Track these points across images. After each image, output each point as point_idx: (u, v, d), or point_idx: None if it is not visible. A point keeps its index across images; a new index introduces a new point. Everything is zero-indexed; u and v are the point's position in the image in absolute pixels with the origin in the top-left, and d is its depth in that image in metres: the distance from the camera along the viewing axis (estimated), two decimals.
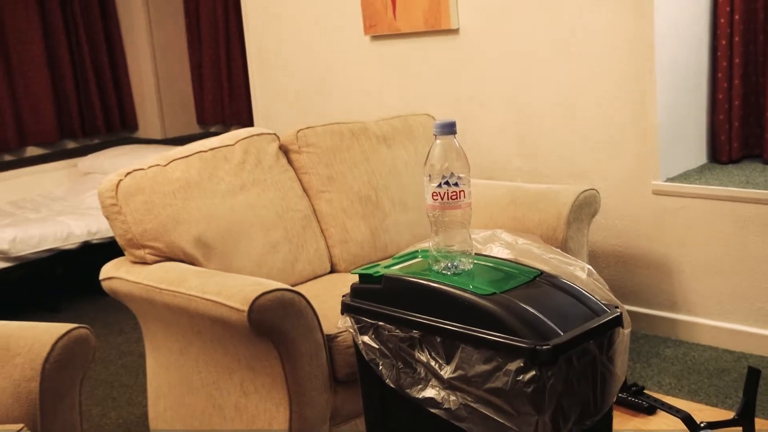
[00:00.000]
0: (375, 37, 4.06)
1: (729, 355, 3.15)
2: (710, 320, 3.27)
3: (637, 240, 3.39)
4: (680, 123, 3.37)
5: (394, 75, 4.04)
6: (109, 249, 3.81)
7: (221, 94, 5.82)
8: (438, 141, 1.54)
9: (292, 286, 2.55)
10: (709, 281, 3.25)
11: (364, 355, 1.58)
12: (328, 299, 2.41)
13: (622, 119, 3.32)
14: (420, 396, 1.48)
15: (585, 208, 2.96)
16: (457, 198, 1.54)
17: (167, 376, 2.57)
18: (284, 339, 2.17)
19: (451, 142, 1.54)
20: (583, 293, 1.53)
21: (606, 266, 3.48)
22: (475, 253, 1.65)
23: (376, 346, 1.56)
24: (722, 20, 3.36)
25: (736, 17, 3.33)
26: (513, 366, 1.35)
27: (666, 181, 3.29)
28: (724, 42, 3.37)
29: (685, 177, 3.32)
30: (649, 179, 3.30)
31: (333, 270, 2.94)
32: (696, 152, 3.51)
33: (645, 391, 1.87)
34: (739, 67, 3.37)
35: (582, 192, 2.96)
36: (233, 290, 2.18)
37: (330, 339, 2.29)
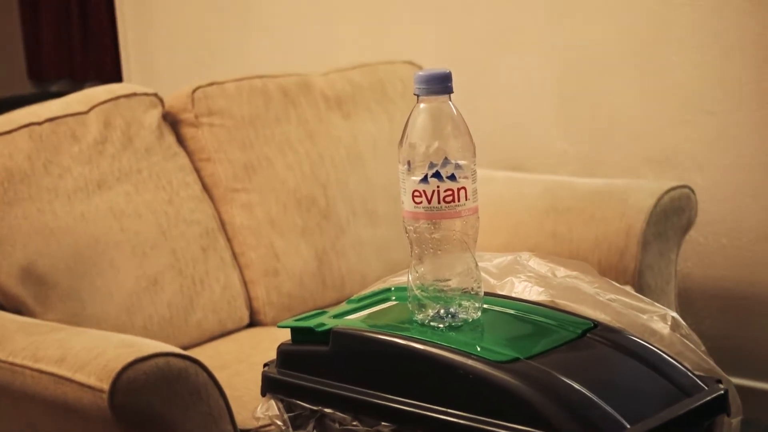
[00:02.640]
0: None
1: None
2: None
3: (758, 271, 3.41)
4: None
5: None
6: None
7: (69, 33, 5.81)
8: (422, 105, 1.54)
9: (185, 348, 2.55)
10: None
11: None
12: (243, 370, 2.41)
13: (735, 72, 3.34)
14: None
15: (672, 217, 2.97)
16: (454, 200, 1.54)
17: None
18: None
19: (445, 107, 1.54)
20: (665, 359, 1.54)
21: (707, 315, 3.49)
22: (486, 294, 1.65)
23: None
24: None
25: None
26: None
27: None
28: None
29: None
30: None
31: (253, 321, 2.95)
32: None
33: None
34: None
35: (667, 191, 2.99)
36: (86, 356, 2.17)
37: None
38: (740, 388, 1.68)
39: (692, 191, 3.06)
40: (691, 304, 3.50)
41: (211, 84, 3.00)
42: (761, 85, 3.29)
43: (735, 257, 3.43)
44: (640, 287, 2.86)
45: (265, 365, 1.70)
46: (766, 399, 3.41)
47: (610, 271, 2.84)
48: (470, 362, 1.46)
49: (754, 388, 3.42)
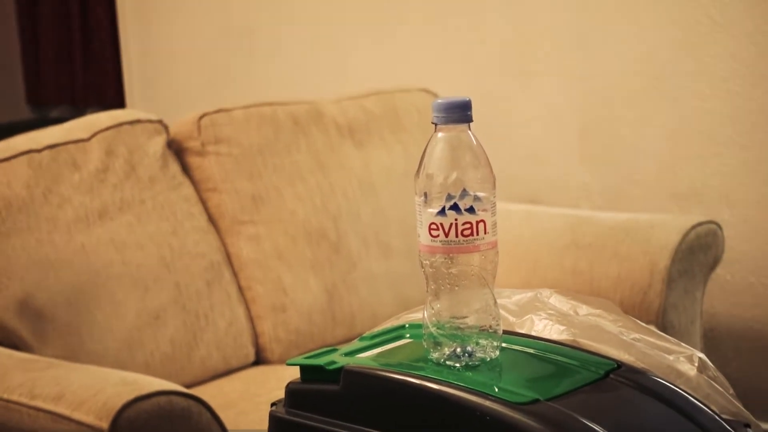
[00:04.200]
0: None
1: None
2: None
3: None
4: None
5: (367, 23, 4.06)
6: None
7: (69, 57, 5.82)
8: (440, 134, 1.55)
9: (188, 386, 2.55)
10: None
11: None
12: (249, 409, 2.41)
13: (763, 102, 3.34)
14: None
15: (699, 254, 2.98)
16: (472, 233, 1.54)
17: None
18: None
19: (464, 137, 1.55)
20: (691, 402, 1.54)
21: (734, 356, 3.49)
22: (505, 332, 1.65)
23: None
24: None
25: None
26: None
27: None
28: None
29: None
30: None
31: (259, 359, 2.95)
32: None
33: None
34: None
35: (693, 227, 2.99)
36: (84, 394, 2.17)
37: None
38: None
39: (719, 227, 3.06)
40: (717, 344, 3.49)
41: (218, 111, 3.01)
42: None
43: (764, 296, 3.43)
44: (664, 327, 2.86)
45: (272, 405, 1.70)
46: None
47: (633, 309, 2.84)
48: (488, 403, 1.46)
49: None
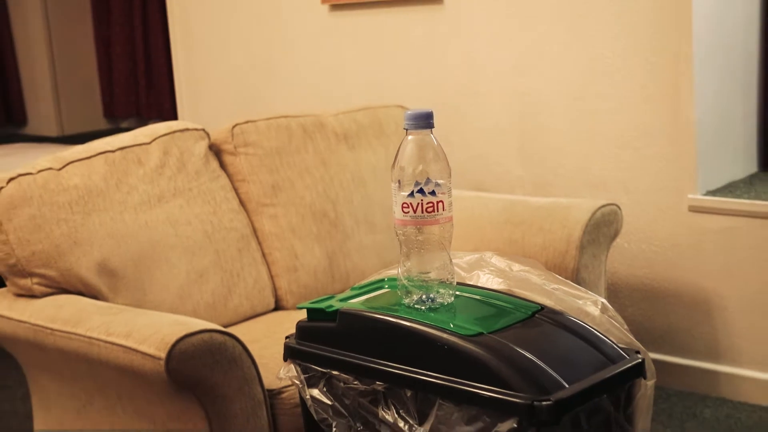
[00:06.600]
0: (335, 7, 4.08)
1: None
2: (761, 373, 3.29)
3: (669, 269, 3.41)
4: (724, 121, 3.41)
5: (359, 56, 4.05)
6: None
7: (136, 80, 5.81)
8: (410, 137, 1.55)
9: (225, 326, 2.55)
10: (760, 323, 3.28)
11: (313, 414, 1.58)
12: (270, 344, 2.40)
13: (651, 116, 3.35)
14: None
15: (603, 228, 2.98)
16: (434, 210, 1.55)
17: None
18: (213, 395, 2.16)
19: (427, 139, 1.55)
20: (596, 334, 1.55)
21: (629, 303, 3.50)
22: (458, 283, 1.66)
23: (329, 402, 1.56)
24: None
25: None
26: (504, 427, 1.36)
27: (706, 195, 3.32)
28: None
29: (730, 189, 3.36)
30: (685, 192, 3.33)
31: (278, 306, 2.94)
32: (744, 158, 3.55)
33: None
34: None
35: (599, 208, 2.99)
36: (147, 332, 2.17)
37: (272, 395, 2.28)
38: (654, 361, 1.69)
39: (619, 208, 3.06)
40: (617, 294, 3.51)
41: (246, 122, 3.01)
42: (670, 128, 3.31)
43: (652, 259, 3.44)
44: (577, 281, 2.86)
45: (286, 338, 1.71)
46: (674, 369, 3.42)
47: (554, 268, 2.84)
48: (445, 336, 1.47)
49: (666, 361, 3.43)
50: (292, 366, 1.64)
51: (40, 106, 6.10)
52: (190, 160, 2.85)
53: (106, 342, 2.23)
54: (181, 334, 2.12)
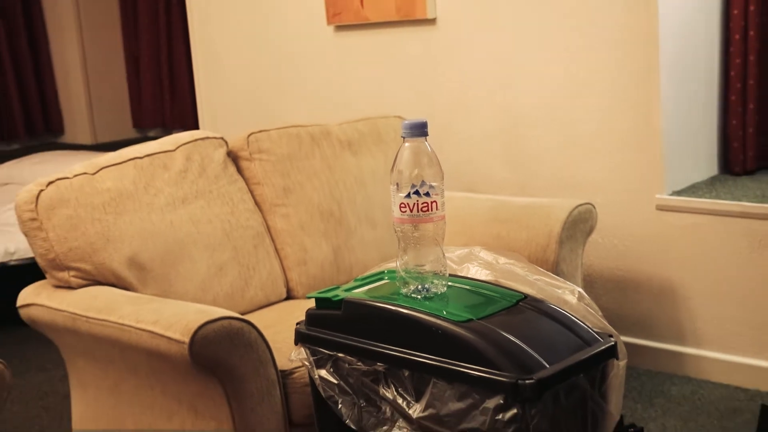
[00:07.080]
0: (339, 28, 4.08)
1: (742, 394, 3.18)
2: (722, 354, 3.30)
3: (639, 262, 3.42)
4: (688, 129, 3.41)
5: (361, 71, 4.05)
6: (28, 271, 3.78)
7: (161, 93, 5.81)
8: (407, 144, 1.56)
9: (242, 314, 2.55)
10: (720, 309, 3.29)
11: (321, 392, 1.59)
12: (282, 330, 2.40)
13: (622, 125, 3.35)
14: None
15: (580, 225, 2.98)
16: (428, 210, 1.55)
17: (96, 420, 2.55)
18: (232, 375, 2.17)
19: (422, 146, 1.56)
20: (573, 320, 1.55)
21: (603, 292, 3.50)
22: (450, 274, 1.67)
23: (335, 381, 1.57)
24: (735, 11, 3.41)
25: (751, 8, 3.38)
26: (491, 403, 1.37)
27: (672, 195, 3.32)
28: (737, 36, 3.42)
29: (693, 190, 3.36)
30: (653, 192, 3.33)
31: (289, 296, 2.94)
32: (706, 162, 3.55)
33: None
34: (755, 66, 3.42)
35: (576, 207, 2.99)
36: (172, 319, 2.18)
37: (285, 375, 2.28)
38: (626, 343, 1.70)
39: (594, 207, 3.06)
40: (592, 285, 3.51)
41: (260, 131, 3.01)
42: (639, 135, 3.31)
43: (623, 253, 3.44)
44: (557, 272, 2.86)
45: (297, 324, 1.71)
46: (644, 351, 3.43)
47: (536, 261, 2.83)
48: (439, 321, 1.47)
49: (636, 344, 3.43)
50: (302, 349, 1.65)
51: (76, 117, 6.10)
52: (210, 166, 2.85)
53: (136, 328, 2.24)
54: (203, 320, 2.13)
